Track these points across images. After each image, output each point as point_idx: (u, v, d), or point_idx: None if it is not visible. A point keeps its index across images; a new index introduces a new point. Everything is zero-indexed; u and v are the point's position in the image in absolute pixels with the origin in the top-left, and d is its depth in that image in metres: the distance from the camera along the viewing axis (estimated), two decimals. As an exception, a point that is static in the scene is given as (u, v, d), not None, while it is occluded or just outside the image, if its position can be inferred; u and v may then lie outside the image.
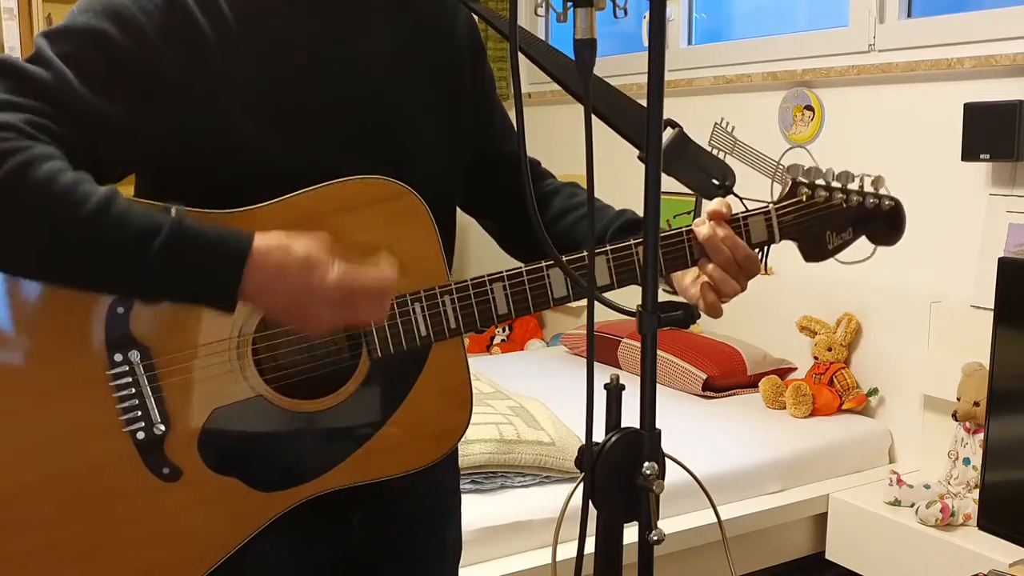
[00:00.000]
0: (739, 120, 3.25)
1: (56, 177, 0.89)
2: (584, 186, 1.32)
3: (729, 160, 3.25)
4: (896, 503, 2.47)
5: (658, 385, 0.92)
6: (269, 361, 1.04)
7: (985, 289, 2.39)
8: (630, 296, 0.89)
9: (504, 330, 4.13)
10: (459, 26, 1.21)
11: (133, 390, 0.98)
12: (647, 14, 1.17)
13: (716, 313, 1.14)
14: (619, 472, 0.91)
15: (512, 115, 0.90)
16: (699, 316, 1.02)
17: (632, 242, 1.12)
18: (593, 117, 0.92)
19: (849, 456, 2.71)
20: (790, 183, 1.18)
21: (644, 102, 0.90)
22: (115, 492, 0.99)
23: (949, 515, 2.34)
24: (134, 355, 0.98)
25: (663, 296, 1.24)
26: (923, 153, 2.70)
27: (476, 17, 1.25)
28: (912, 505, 2.42)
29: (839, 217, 1.19)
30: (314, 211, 1.02)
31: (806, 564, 2.64)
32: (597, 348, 3.35)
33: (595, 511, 0.92)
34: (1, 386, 0.95)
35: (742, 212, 1.16)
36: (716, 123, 3.30)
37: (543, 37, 4.20)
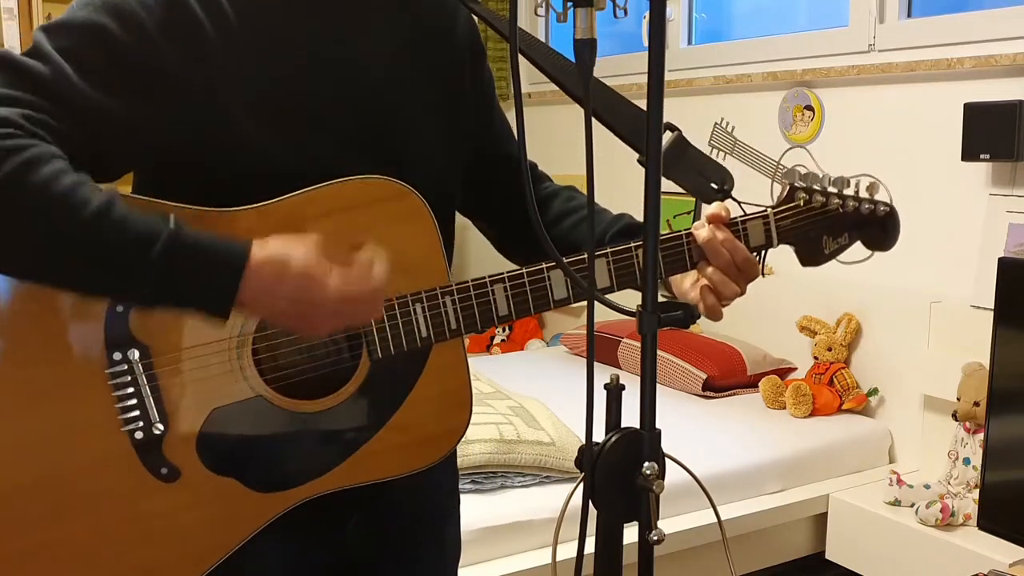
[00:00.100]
0: (739, 120, 3.25)
1: (57, 178, 0.89)
2: (582, 189, 1.32)
3: (729, 160, 3.25)
4: (896, 503, 2.47)
5: (658, 385, 0.92)
6: (269, 361, 1.04)
7: (985, 289, 2.38)
8: (630, 297, 0.89)
9: (504, 330, 4.13)
10: (459, 26, 1.21)
11: (132, 389, 0.98)
12: (647, 14, 1.17)
13: (716, 316, 1.14)
14: (619, 472, 0.91)
15: (512, 116, 0.90)
16: (699, 316, 1.02)
17: (632, 244, 1.12)
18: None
19: (849, 456, 2.71)
20: (788, 188, 1.19)
21: (644, 102, 0.90)
22: (113, 492, 0.98)
23: (949, 515, 2.34)
24: (133, 354, 0.98)
25: (662, 299, 1.25)
26: (923, 153, 2.70)
27: (476, 18, 1.26)
28: (912, 505, 2.42)
29: (836, 222, 1.19)
30: (315, 211, 1.02)
31: (806, 564, 2.64)
32: (597, 348, 3.35)
33: (595, 511, 0.92)
34: (4, 384, 0.95)
35: (740, 216, 1.17)
36: (716, 123, 3.30)
37: (543, 37, 4.21)
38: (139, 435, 0.99)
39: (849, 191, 1.20)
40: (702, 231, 1.14)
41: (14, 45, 3.30)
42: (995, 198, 2.53)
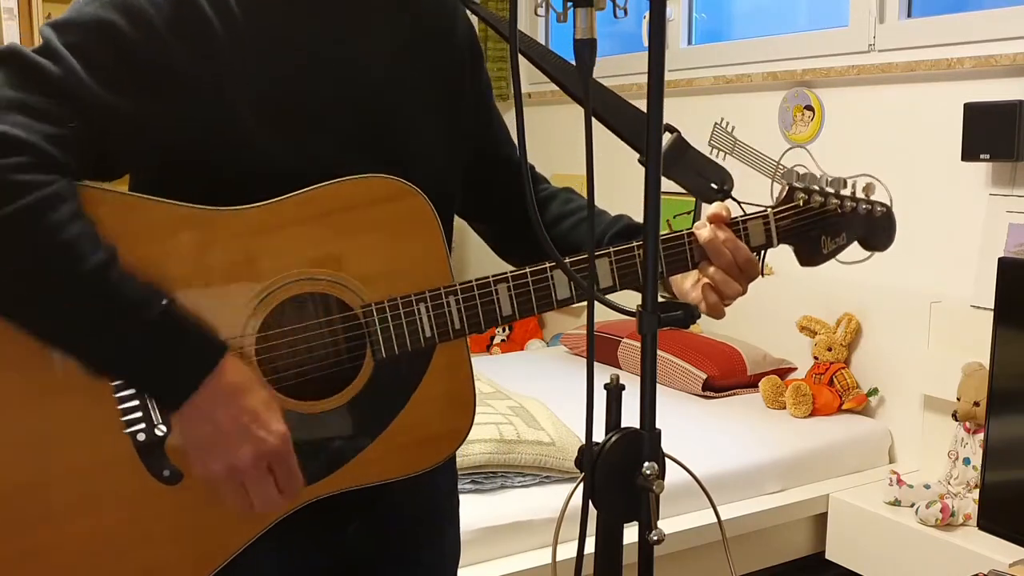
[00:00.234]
0: (739, 120, 3.25)
1: (66, 224, 0.90)
2: (582, 189, 1.32)
3: (729, 160, 3.25)
4: (896, 503, 2.47)
5: (658, 385, 0.92)
6: (272, 361, 1.04)
7: (985, 289, 2.39)
8: (630, 297, 0.89)
9: (504, 330, 4.13)
10: (459, 26, 1.21)
11: (134, 390, 0.98)
12: (647, 14, 1.17)
13: (718, 314, 1.15)
14: (619, 472, 0.91)
15: (512, 116, 0.90)
16: (699, 316, 1.02)
17: (635, 244, 1.12)
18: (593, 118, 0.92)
19: (849, 456, 2.71)
20: (787, 188, 1.19)
21: (644, 102, 0.90)
22: (114, 494, 0.98)
23: (949, 515, 2.34)
24: (112, 377, 0.97)
25: (662, 299, 1.25)
26: (923, 153, 2.70)
27: (475, 18, 1.26)
28: (912, 505, 2.42)
29: (834, 222, 1.20)
30: (320, 209, 1.02)
31: (806, 564, 2.64)
32: (597, 348, 3.35)
33: (595, 511, 0.92)
34: (1, 384, 0.95)
35: (741, 216, 1.17)
36: (716, 123, 3.30)
37: (543, 37, 4.21)
38: (141, 437, 0.98)
39: (846, 191, 1.21)
40: (704, 231, 1.14)
41: (14, 45, 3.29)
42: (995, 198, 2.53)
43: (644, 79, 0.87)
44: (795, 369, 3.10)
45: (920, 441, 2.72)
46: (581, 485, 0.93)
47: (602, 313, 1.03)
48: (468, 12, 1.24)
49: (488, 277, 1.09)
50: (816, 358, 2.94)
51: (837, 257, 1.23)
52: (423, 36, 1.15)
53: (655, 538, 0.89)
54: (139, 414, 0.98)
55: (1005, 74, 2.50)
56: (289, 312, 1.04)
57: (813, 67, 2.99)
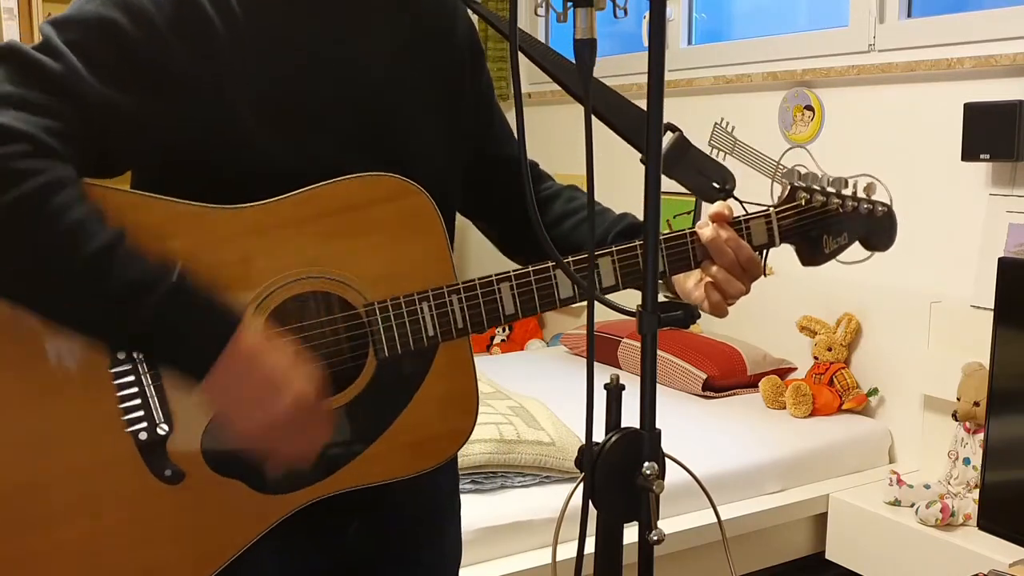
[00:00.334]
0: (739, 120, 3.25)
1: (69, 208, 0.89)
2: (583, 188, 1.32)
3: (729, 160, 3.25)
4: (896, 503, 2.47)
5: (658, 385, 0.92)
6: None
7: (985, 289, 2.38)
8: (630, 296, 0.89)
9: (504, 330, 4.13)
10: (459, 26, 1.21)
11: (136, 389, 0.97)
12: (647, 14, 1.17)
13: (721, 313, 1.15)
14: (619, 472, 0.91)
15: (512, 116, 0.90)
16: (699, 316, 1.02)
17: (638, 243, 1.12)
18: (593, 118, 0.92)
19: (849, 456, 2.71)
20: (789, 187, 1.19)
21: (644, 102, 0.90)
22: (116, 493, 0.98)
23: (949, 515, 2.34)
24: (138, 353, 0.97)
25: (663, 299, 1.25)
26: (923, 153, 2.70)
27: (475, 17, 1.25)
28: (912, 505, 2.42)
29: (836, 221, 1.20)
30: (323, 207, 1.02)
31: (806, 564, 2.64)
32: (597, 348, 3.35)
33: (595, 511, 0.92)
34: (6, 383, 0.94)
35: (743, 215, 1.17)
36: (716, 123, 3.30)
37: (543, 37, 4.21)
38: (143, 436, 0.98)
39: (848, 191, 1.21)
40: (706, 230, 1.14)
41: (14, 45, 3.29)
42: (995, 198, 2.53)
43: (644, 79, 0.88)
44: (795, 369, 3.10)
45: (920, 441, 2.71)
46: (581, 485, 0.93)
47: (602, 313, 1.03)
48: (469, 11, 1.24)
49: (491, 276, 1.08)
50: (816, 358, 2.94)
51: (837, 257, 1.23)
52: (423, 36, 1.15)
53: (655, 538, 0.89)
54: (140, 413, 0.98)
55: (1005, 74, 2.50)
56: (291, 311, 1.04)
57: (813, 67, 2.99)
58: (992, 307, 1.79)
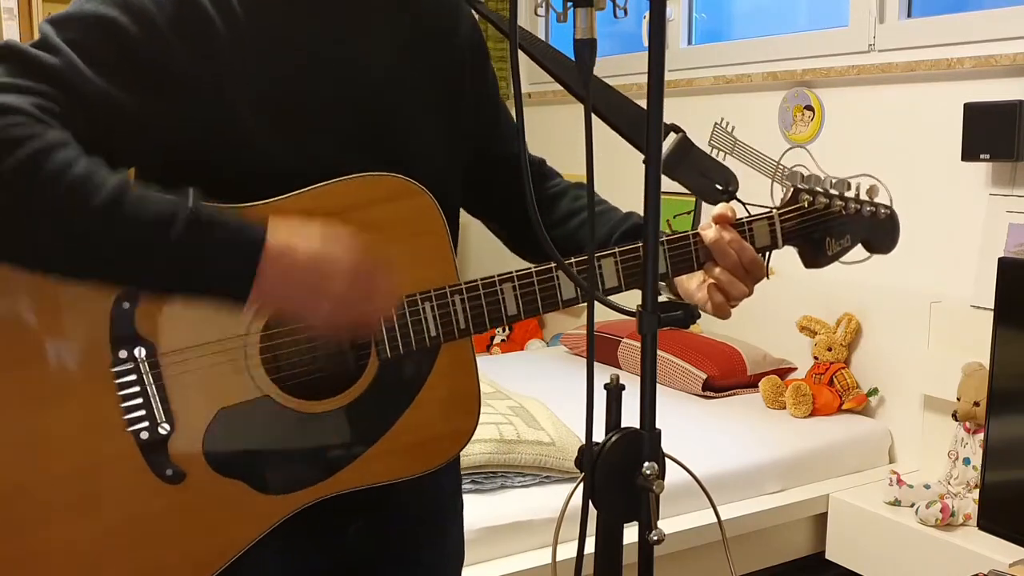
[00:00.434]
0: (739, 120, 3.25)
1: (70, 166, 0.88)
2: (584, 186, 1.32)
3: (729, 160, 3.25)
4: (896, 503, 2.47)
5: (658, 385, 0.92)
6: (277, 360, 1.03)
7: (985, 289, 2.38)
8: (631, 296, 0.89)
9: (504, 330, 4.13)
10: (460, 26, 1.21)
11: (137, 388, 0.97)
12: (647, 14, 1.17)
13: (724, 315, 1.15)
14: (619, 472, 0.91)
15: (512, 115, 0.90)
16: (699, 316, 1.02)
17: (641, 244, 1.12)
18: (594, 118, 0.92)
19: (849, 456, 2.71)
20: (792, 189, 1.19)
21: (644, 102, 0.90)
22: (117, 493, 0.97)
23: (949, 515, 2.33)
24: (139, 352, 0.97)
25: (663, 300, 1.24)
26: (923, 153, 2.70)
27: (477, 17, 1.25)
28: (912, 505, 2.42)
29: (838, 224, 1.20)
30: (326, 207, 1.02)
31: (806, 564, 2.64)
32: (597, 348, 3.35)
33: (595, 511, 0.92)
34: (7, 382, 0.94)
35: (746, 217, 1.17)
36: (716, 123, 3.30)
37: (543, 37, 4.21)
38: (144, 435, 0.98)
39: (851, 193, 1.21)
40: (709, 232, 1.14)
41: (14, 45, 3.29)
42: (995, 198, 2.53)
43: (644, 79, 0.87)
44: (795, 369, 3.10)
45: (920, 441, 2.71)
46: (581, 485, 0.93)
47: (602, 313, 1.03)
48: (472, 11, 1.23)
49: (493, 276, 1.08)
50: (816, 358, 2.94)
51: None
52: (423, 36, 1.15)
53: (655, 538, 0.89)
54: (142, 412, 0.97)
55: (1005, 74, 2.50)
56: None
57: (813, 67, 2.99)
58: (992, 307, 1.79)
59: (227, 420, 1.01)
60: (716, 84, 3.31)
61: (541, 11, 3.72)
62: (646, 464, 0.90)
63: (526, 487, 2.26)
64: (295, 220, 0.97)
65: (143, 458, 0.98)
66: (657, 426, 0.92)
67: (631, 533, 0.91)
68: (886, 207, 1.23)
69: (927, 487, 2.46)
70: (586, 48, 0.88)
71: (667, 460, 0.94)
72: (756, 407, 2.92)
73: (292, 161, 1.02)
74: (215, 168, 1.01)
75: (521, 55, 0.97)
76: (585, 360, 0.94)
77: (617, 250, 1.12)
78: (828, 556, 2.59)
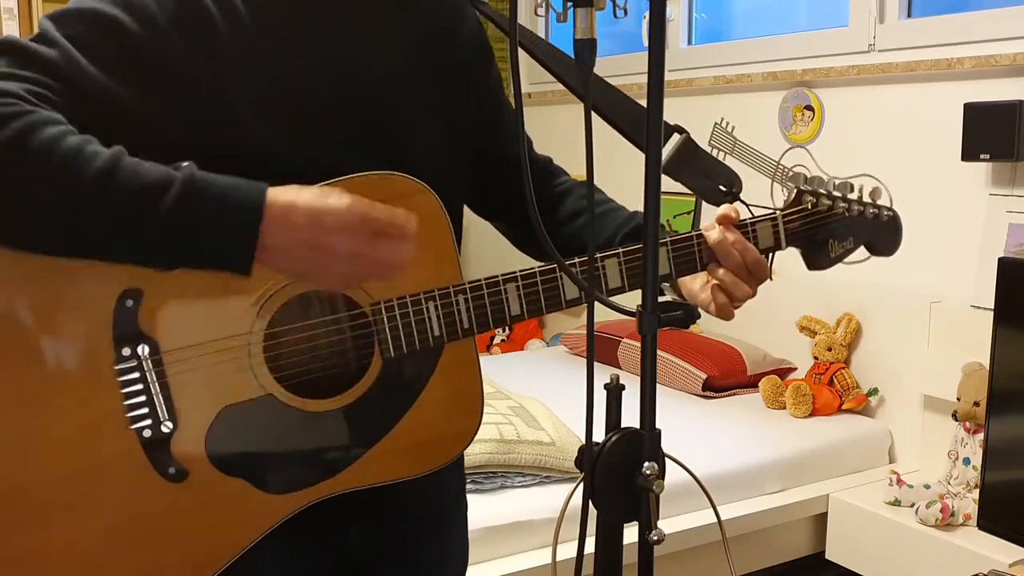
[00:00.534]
0: (739, 120, 3.25)
1: (61, 139, 0.88)
2: (581, 189, 1.32)
3: (729, 160, 3.25)
4: (896, 503, 2.47)
5: (658, 385, 0.92)
6: (280, 358, 1.03)
7: (985, 289, 2.38)
8: (631, 296, 0.89)
9: (504, 330, 4.13)
10: (463, 26, 1.20)
11: (140, 386, 0.97)
12: (647, 14, 1.17)
13: (727, 315, 1.15)
14: (619, 472, 0.91)
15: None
16: (699, 316, 1.02)
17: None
18: (597, 118, 0.92)
19: (849, 456, 2.71)
20: (795, 191, 1.19)
21: (644, 102, 0.90)
22: (119, 492, 0.97)
23: (949, 515, 2.34)
24: (143, 350, 0.97)
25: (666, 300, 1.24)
26: (923, 153, 2.70)
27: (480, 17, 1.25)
28: (912, 505, 2.42)
29: (841, 226, 1.20)
30: None
31: (806, 564, 2.64)
32: (597, 348, 3.35)
33: (595, 511, 0.92)
34: (9, 379, 0.94)
35: (749, 218, 1.17)
36: (716, 123, 3.30)
37: (543, 37, 4.21)
38: (147, 433, 0.97)
39: (853, 196, 1.21)
40: (713, 232, 1.14)
41: (14, 45, 3.29)
42: (995, 198, 2.53)
43: (644, 79, 0.87)
44: (795, 369, 3.10)
45: (920, 441, 2.71)
46: (581, 485, 0.93)
47: (602, 313, 1.03)
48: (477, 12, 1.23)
49: (497, 276, 1.08)
50: (816, 358, 2.94)
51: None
52: (425, 36, 1.15)
53: (655, 538, 0.89)
54: (145, 410, 0.97)
55: (1005, 74, 2.50)
56: (296, 310, 1.03)
57: (813, 67, 2.99)
58: (992, 307, 1.79)
59: (230, 418, 1.00)
60: (716, 84, 3.31)
61: (541, 11, 3.73)
62: (646, 464, 0.90)
63: (526, 487, 2.26)
64: (291, 185, 0.95)
65: (145, 456, 0.97)
66: (657, 426, 0.92)
67: (631, 533, 0.91)
68: (889, 209, 1.23)
69: (927, 487, 2.46)
70: (586, 48, 0.88)
71: (667, 460, 0.94)
72: (756, 407, 2.92)
73: (292, 161, 1.02)
74: (216, 167, 1.00)
75: (522, 54, 0.97)
76: (585, 360, 0.95)
77: (621, 250, 1.12)
78: (828, 556, 2.59)
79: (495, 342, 4.17)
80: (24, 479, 0.94)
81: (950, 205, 2.63)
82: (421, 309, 1.05)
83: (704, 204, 3.41)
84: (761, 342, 3.16)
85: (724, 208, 1.16)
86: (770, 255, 1.18)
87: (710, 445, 2.55)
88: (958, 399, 2.44)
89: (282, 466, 1.03)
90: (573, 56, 0.90)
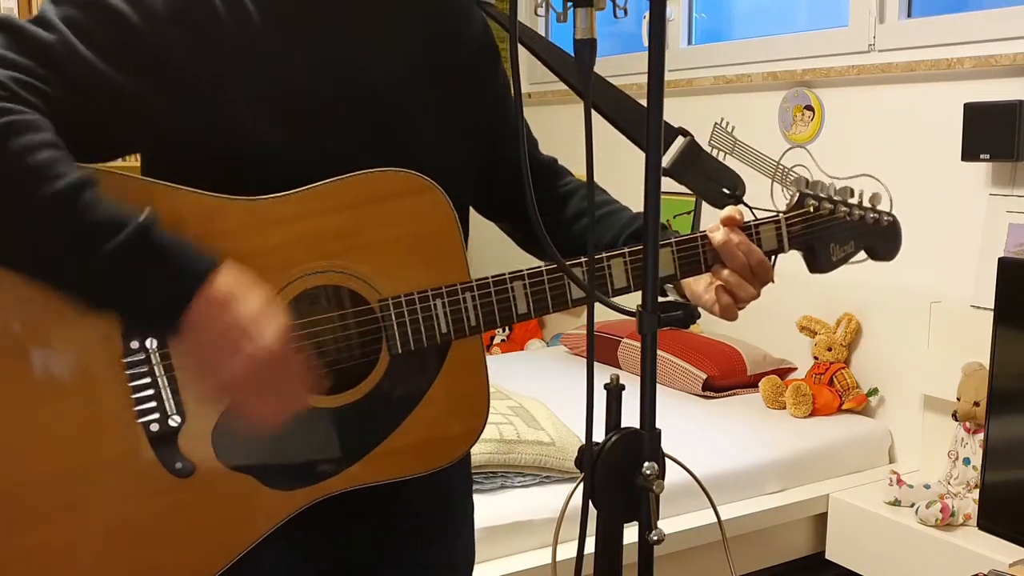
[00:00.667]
0: (739, 120, 3.25)
1: (37, 149, 0.87)
2: (597, 187, 1.32)
3: (729, 160, 3.25)
4: (896, 503, 2.47)
5: (658, 385, 0.92)
6: None
7: (985, 289, 2.38)
8: (631, 296, 0.89)
9: (504, 330, 4.13)
10: (469, 27, 1.20)
11: (148, 380, 0.96)
12: (647, 14, 1.17)
13: (732, 316, 1.16)
14: (619, 472, 0.91)
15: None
16: (699, 316, 1.02)
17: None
18: (599, 118, 0.92)
19: (849, 456, 2.71)
20: (798, 195, 1.20)
21: (644, 102, 0.90)
22: (125, 487, 0.97)
23: (949, 515, 2.34)
24: (151, 343, 0.96)
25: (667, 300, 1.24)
26: (923, 153, 2.70)
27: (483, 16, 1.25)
28: (912, 505, 2.42)
29: (843, 230, 1.21)
30: (338, 202, 1.02)
31: (806, 564, 2.64)
32: (597, 348, 3.35)
33: (595, 511, 0.92)
34: (11, 375, 0.93)
35: (753, 220, 1.18)
36: (716, 123, 3.30)
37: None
38: (155, 428, 0.97)
39: (854, 200, 1.22)
40: (717, 234, 1.15)
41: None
42: (995, 198, 2.53)
43: (644, 79, 0.87)
44: (795, 369, 3.10)
45: (920, 441, 2.71)
46: (581, 485, 0.93)
47: (603, 313, 1.03)
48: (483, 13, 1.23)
49: (504, 274, 1.08)
50: (816, 358, 2.94)
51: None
52: (430, 37, 1.15)
53: (655, 538, 0.89)
54: (152, 404, 0.97)
55: (1005, 74, 2.50)
56: (305, 305, 1.03)
57: (813, 67, 2.99)
58: (992, 307, 1.79)
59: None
60: (716, 84, 3.31)
61: (541, 11, 3.73)
62: (646, 464, 0.90)
63: (526, 487, 2.26)
64: (248, 274, 0.94)
65: (153, 451, 0.97)
66: (657, 426, 0.92)
67: (631, 533, 0.91)
68: (888, 215, 1.25)
69: (927, 487, 2.46)
70: (586, 48, 0.88)
71: (667, 460, 0.94)
72: (756, 407, 2.92)
73: (293, 161, 1.02)
74: (217, 166, 1.00)
75: (523, 54, 0.97)
76: (585, 360, 0.95)
77: (627, 250, 1.12)
78: (828, 556, 2.59)
79: (495, 342, 4.17)
80: (32, 473, 0.94)
81: (950, 205, 2.63)
82: (429, 306, 1.05)
83: (704, 204, 3.41)
84: (761, 342, 3.16)
85: (729, 210, 1.17)
86: (773, 257, 1.19)
87: (710, 445, 2.55)
88: (958, 399, 2.44)
89: (289, 462, 1.03)
90: (573, 56, 0.90)
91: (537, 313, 1.10)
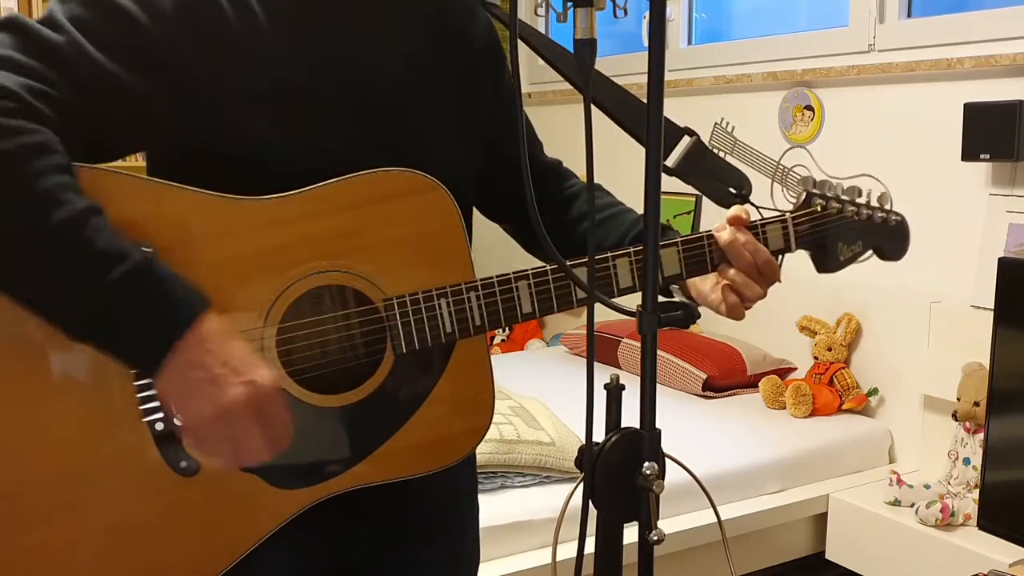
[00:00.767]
0: (739, 120, 3.25)
1: (47, 174, 0.87)
2: (602, 189, 1.32)
3: (729, 160, 3.25)
4: (896, 503, 2.47)
5: (658, 385, 0.92)
6: (293, 354, 1.03)
7: (985, 289, 2.39)
8: (630, 296, 0.89)
9: (504, 330, 4.13)
10: (474, 27, 1.20)
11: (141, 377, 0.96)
12: (647, 14, 1.17)
13: (738, 316, 1.16)
14: (619, 472, 0.91)
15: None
16: (699, 316, 1.02)
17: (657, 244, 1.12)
18: (599, 117, 0.92)
19: (849, 456, 2.72)
20: (805, 194, 1.20)
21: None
22: (129, 486, 0.96)
23: (949, 515, 2.34)
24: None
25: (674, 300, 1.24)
26: (923, 153, 2.70)
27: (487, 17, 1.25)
28: (912, 505, 2.42)
29: (850, 229, 1.21)
30: (342, 202, 1.02)
31: (806, 564, 2.64)
32: (597, 348, 3.35)
33: (595, 511, 0.92)
34: (12, 374, 0.93)
35: (759, 220, 1.17)
36: (716, 123, 3.30)
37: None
38: (160, 426, 0.96)
39: (862, 200, 1.22)
40: (724, 233, 1.14)
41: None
42: (995, 198, 2.53)
43: (644, 79, 0.87)
44: (795, 369, 3.10)
45: (920, 441, 2.72)
46: (581, 485, 0.93)
47: (603, 313, 1.03)
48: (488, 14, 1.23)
49: (509, 274, 1.08)
50: (816, 358, 2.94)
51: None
52: (434, 36, 1.15)
53: (655, 538, 0.89)
54: (157, 402, 0.96)
55: (1005, 74, 2.50)
56: (309, 305, 1.03)
57: (813, 67, 2.99)
58: (992, 307, 1.79)
59: None
60: (716, 84, 3.31)
61: (541, 11, 3.73)
62: (646, 464, 0.90)
63: (526, 487, 2.26)
64: (232, 325, 0.95)
65: (157, 450, 0.97)
66: (657, 426, 0.92)
67: (631, 533, 0.91)
68: (896, 214, 1.24)
69: (927, 487, 2.46)
70: (586, 48, 0.88)
71: (667, 460, 0.94)
72: (756, 407, 2.92)
73: (293, 161, 1.02)
74: (218, 166, 1.00)
75: (524, 53, 0.97)
76: (585, 360, 0.95)
77: (631, 250, 1.12)
78: (828, 556, 2.59)
79: (495, 342, 4.17)
80: (36, 472, 0.93)
81: (950, 205, 2.63)
82: (433, 306, 1.05)
83: (706, 204, 3.41)
84: (761, 342, 3.16)
85: (736, 209, 1.16)
86: (779, 257, 1.19)
87: (710, 445, 2.55)
88: (958, 399, 2.44)
89: (294, 461, 1.03)
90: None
91: (542, 313, 1.10)
